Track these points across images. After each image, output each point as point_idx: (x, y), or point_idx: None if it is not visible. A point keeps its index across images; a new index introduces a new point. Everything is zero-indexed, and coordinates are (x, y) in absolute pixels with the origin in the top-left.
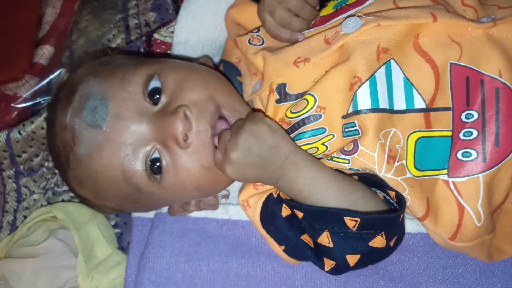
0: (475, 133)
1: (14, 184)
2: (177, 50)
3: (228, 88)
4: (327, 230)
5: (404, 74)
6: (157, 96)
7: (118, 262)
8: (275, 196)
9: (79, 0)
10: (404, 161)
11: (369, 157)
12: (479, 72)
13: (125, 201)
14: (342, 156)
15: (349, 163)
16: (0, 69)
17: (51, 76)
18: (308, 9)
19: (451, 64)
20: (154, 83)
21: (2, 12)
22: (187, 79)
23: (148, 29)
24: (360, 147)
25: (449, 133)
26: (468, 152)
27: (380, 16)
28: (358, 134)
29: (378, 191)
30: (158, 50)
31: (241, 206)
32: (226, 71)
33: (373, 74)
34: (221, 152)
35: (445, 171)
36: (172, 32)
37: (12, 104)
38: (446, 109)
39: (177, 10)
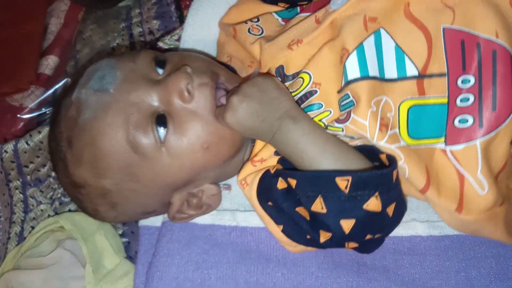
0: (472, 98)
1: (21, 194)
2: None
3: (229, 70)
4: (320, 196)
5: (395, 42)
6: (164, 70)
7: (126, 272)
8: (272, 172)
9: (83, 9)
10: (396, 130)
11: (361, 125)
12: (475, 34)
13: (124, 177)
14: (336, 125)
15: (342, 131)
16: (6, 80)
17: (56, 86)
18: None
19: (444, 28)
20: (161, 58)
21: (7, 23)
22: (189, 56)
23: (152, 37)
24: (352, 115)
25: (445, 100)
26: (464, 118)
27: None
28: (353, 105)
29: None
30: None
31: (239, 186)
32: None
33: (361, 43)
34: (227, 97)
35: (442, 139)
36: (177, 40)
37: (18, 115)
38: (440, 75)
39: (180, 18)
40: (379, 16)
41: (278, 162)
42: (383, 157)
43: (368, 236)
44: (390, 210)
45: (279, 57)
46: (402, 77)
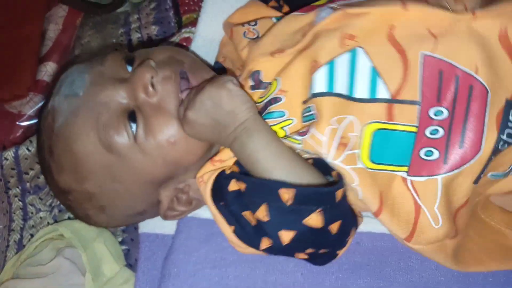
0: (441, 131)
1: (20, 202)
2: None
3: (193, 55)
4: (265, 203)
5: (372, 63)
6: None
7: (126, 280)
8: (227, 172)
9: (81, 15)
10: (357, 151)
11: (318, 141)
12: (455, 66)
13: (104, 178)
14: (296, 137)
15: (300, 143)
16: (5, 87)
17: None
18: None
19: (424, 55)
20: (129, 57)
21: (5, 28)
22: (155, 49)
23: (151, 42)
24: (311, 129)
25: (414, 129)
26: (431, 151)
27: (350, 4)
28: (315, 119)
29: (327, 177)
30: None
31: (197, 183)
32: (215, 71)
33: (333, 59)
34: (184, 108)
35: (405, 168)
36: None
37: (17, 122)
38: (412, 102)
39: (179, 23)
40: (358, 35)
41: (235, 164)
42: (334, 174)
43: (310, 250)
44: (334, 227)
45: (258, 60)
46: (372, 99)
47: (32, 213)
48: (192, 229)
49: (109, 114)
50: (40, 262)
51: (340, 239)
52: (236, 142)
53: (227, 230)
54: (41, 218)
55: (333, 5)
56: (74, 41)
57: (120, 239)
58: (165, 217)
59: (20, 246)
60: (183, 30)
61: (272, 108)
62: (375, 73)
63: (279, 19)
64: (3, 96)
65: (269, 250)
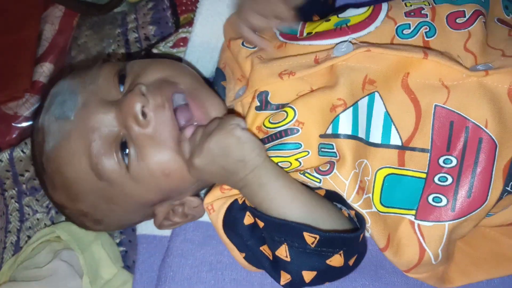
0: (450, 179)
1: (16, 204)
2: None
3: (189, 72)
4: (285, 243)
5: (386, 108)
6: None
7: (124, 282)
8: (240, 202)
9: (78, 15)
10: (370, 195)
11: (341, 183)
12: (465, 117)
13: (97, 200)
14: (315, 174)
15: (320, 182)
16: (1, 88)
17: None
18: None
19: (436, 106)
20: (122, 73)
21: (1, 30)
22: (147, 66)
23: (148, 42)
24: (335, 170)
25: (423, 175)
26: (439, 197)
27: (372, 44)
28: (336, 156)
29: (343, 208)
30: None
31: (205, 209)
32: (216, 78)
33: (357, 102)
34: (189, 150)
35: (413, 212)
36: (172, 47)
37: (12, 124)
38: (423, 150)
39: (177, 23)
40: (378, 80)
41: None
42: (352, 212)
43: (327, 283)
44: (351, 261)
45: (267, 81)
46: (385, 144)
47: (28, 214)
48: (188, 232)
49: (100, 142)
50: (37, 265)
51: (354, 268)
52: (246, 189)
53: (238, 256)
54: (38, 219)
55: (353, 39)
56: (71, 41)
57: (117, 241)
58: (160, 227)
59: (17, 247)
60: (180, 30)
61: (288, 139)
62: (388, 119)
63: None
64: (0, 99)
65: (288, 285)
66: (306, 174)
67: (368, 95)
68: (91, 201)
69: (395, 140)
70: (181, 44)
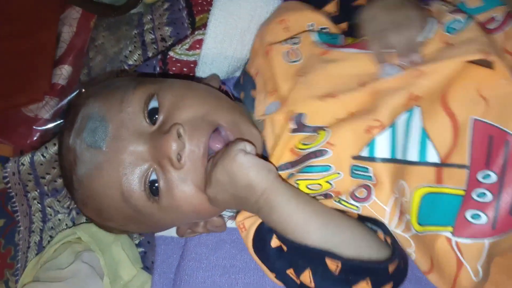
0: (489, 195)
1: (39, 205)
2: (202, 70)
3: (227, 105)
4: (309, 269)
5: (423, 123)
6: (156, 116)
7: (143, 283)
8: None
9: (95, 17)
10: (408, 216)
11: (381, 210)
12: (505, 131)
13: (127, 222)
14: (352, 202)
15: (358, 210)
16: (21, 91)
17: (70, 96)
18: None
19: (474, 120)
20: (153, 103)
21: (21, 33)
22: (183, 98)
23: (164, 43)
24: (373, 197)
25: (462, 192)
26: (478, 214)
27: (424, 60)
28: (371, 180)
29: (379, 231)
30: (174, 68)
31: (238, 228)
32: (245, 84)
33: (395, 120)
34: (205, 179)
35: (450, 228)
36: (188, 49)
37: (34, 127)
38: (461, 166)
39: (192, 24)
40: (424, 94)
41: None
42: (388, 239)
43: None
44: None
45: (307, 103)
46: (423, 162)
47: (50, 215)
48: (202, 236)
49: (132, 176)
50: (59, 266)
51: None
52: (260, 213)
53: (271, 275)
54: (59, 220)
55: (402, 62)
56: (88, 43)
57: (137, 242)
58: (182, 236)
59: (40, 247)
60: (196, 33)
61: (315, 162)
62: (425, 135)
63: (320, 35)
64: (20, 101)
65: None
66: (342, 202)
67: (408, 110)
68: (121, 222)
69: (432, 157)
70: (197, 46)
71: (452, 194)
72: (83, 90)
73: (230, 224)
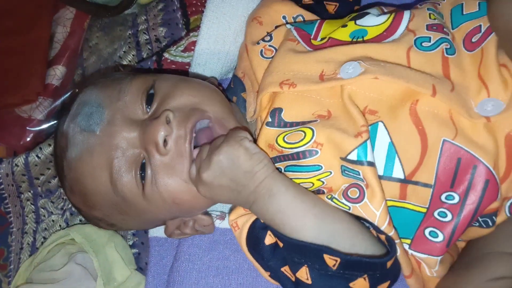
0: (449, 215)
1: (32, 206)
2: (195, 71)
3: (219, 98)
4: (306, 266)
5: (390, 139)
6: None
7: (137, 284)
8: (262, 221)
9: (89, 17)
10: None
11: (371, 213)
12: (475, 157)
13: (112, 211)
14: (344, 201)
15: (349, 209)
16: (14, 91)
17: (64, 97)
18: None
19: (444, 140)
20: (150, 94)
21: (14, 32)
22: (177, 87)
23: (159, 44)
24: (366, 199)
25: (424, 210)
26: (435, 232)
27: (382, 67)
28: (363, 181)
29: (371, 228)
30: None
31: (231, 227)
32: (236, 87)
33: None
34: (196, 168)
35: (408, 241)
36: (183, 50)
37: (27, 127)
38: (426, 185)
39: (187, 25)
40: (380, 110)
41: None
42: (382, 237)
43: None
44: (382, 286)
45: (268, 90)
46: (387, 177)
47: (44, 216)
48: (196, 237)
49: (123, 160)
50: (52, 268)
51: None
52: (257, 204)
53: (264, 274)
54: (53, 221)
55: (364, 59)
56: (82, 43)
57: (130, 243)
58: (170, 236)
59: (33, 248)
60: (191, 34)
61: (307, 161)
62: (393, 151)
63: (295, 24)
64: (13, 101)
65: None
66: (334, 200)
67: (370, 125)
68: (106, 211)
69: (398, 173)
70: (192, 48)
71: (414, 210)
72: (77, 90)
73: (223, 225)
